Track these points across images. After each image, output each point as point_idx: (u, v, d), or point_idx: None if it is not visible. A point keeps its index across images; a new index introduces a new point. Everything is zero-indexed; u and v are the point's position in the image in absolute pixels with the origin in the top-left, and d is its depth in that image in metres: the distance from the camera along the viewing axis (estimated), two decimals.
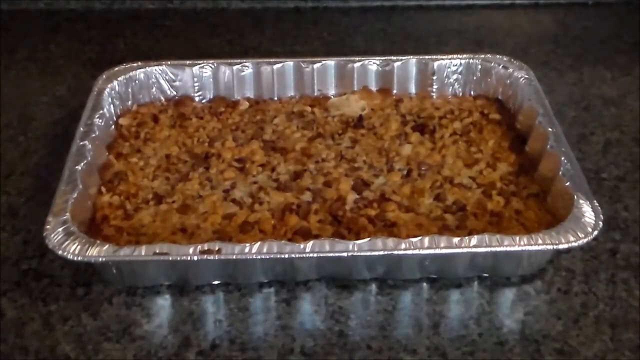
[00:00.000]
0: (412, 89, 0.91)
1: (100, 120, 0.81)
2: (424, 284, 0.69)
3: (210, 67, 0.89)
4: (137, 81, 0.88)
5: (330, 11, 1.17)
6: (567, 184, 0.71)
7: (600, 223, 0.67)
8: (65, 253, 0.64)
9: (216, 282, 0.69)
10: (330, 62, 0.89)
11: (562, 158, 0.73)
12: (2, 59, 1.04)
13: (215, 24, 1.14)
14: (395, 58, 0.90)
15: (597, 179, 0.82)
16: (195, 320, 0.66)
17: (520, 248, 0.65)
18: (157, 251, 0.64)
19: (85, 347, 0.64)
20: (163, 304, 0.68)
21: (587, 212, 0.67)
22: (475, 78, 0.90)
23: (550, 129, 0.78)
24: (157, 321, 0.66)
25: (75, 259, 0.64)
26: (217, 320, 0.66)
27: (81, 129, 0.78)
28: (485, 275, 0.70)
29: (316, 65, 0.89)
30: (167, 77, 0.89)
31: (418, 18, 1.16)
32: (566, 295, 0.69)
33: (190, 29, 1.13)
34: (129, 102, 0.88)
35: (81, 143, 0.76)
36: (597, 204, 0.68)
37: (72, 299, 0.68)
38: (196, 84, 0.90)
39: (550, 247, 0.65)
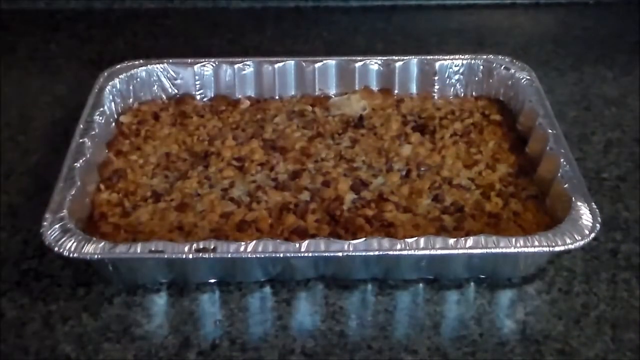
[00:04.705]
0: (414, 89, 0.91)
1: (101, 118, 0.81)
2: (425, 284, 0.69)
3: (212, 65, 0.89)
4: (138, 79, 0.88)
5: (330, 11, 1.17)
6: (566, 186, 0.70)
7: (598, 225, 0.66)
8: (61, 250, 0.64)
9: (216, 282, 0.69)
10: (332, 62, 0.89)
11: (562, 160, 0.73)
12: (2, 58, 1.04)
13: (216, 24, 1.13)
14: (397, 58, 0.90)
15: (597, 179, 0.82)
16: (195, 320, 0.66)
17: (516, 250, 0.65)
18: (153, 249, 0.64)
19: (85, 347, 0.64)
20: (163, 304, 0.68)
21: (585, 214, 0.67)
22: (477, 79, 0.90)
23: (550, 131, 0.77)
24: (157, 321, 0.66)
25: (71, 255, 0.64)
26: (218, 321, 0.66)
27: (81, 126, 0.78)
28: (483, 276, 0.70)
29: (317, 65, 0.89)
30: (168, 75, 0.89)
31: (418, 17, 1.16)
32: (567, 295, 0.69)
33: (191, 29, 1.13)
34: (130, 100, 0.88)
35: (80, 140, 0.76)
36: (595, 206, 0.68)
37: (72, 299, 0.68)
38: (197, 83, 0.89)
39: (546, 249, 0.65)
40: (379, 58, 0.90)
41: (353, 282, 0.69)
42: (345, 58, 0.90)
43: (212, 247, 0.64)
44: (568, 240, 0.65)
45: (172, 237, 0.70)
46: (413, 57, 0.90)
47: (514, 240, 0.65)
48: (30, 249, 0.72)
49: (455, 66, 0.90)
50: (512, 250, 0.65)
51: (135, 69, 0.88)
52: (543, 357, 0.63)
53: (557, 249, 0.65)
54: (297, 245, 0.65)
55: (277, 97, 0.90)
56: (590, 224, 0.66)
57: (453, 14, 1.17)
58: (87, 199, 0.73)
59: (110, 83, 0.86)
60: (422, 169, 0.79)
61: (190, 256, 0.64)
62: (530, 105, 0.83)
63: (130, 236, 0.70)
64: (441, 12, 1.17)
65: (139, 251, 0.64)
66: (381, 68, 0.89)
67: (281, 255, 0.64)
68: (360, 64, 0.89)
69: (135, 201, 0.75)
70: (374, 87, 0.90)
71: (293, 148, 0.82)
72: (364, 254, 0.65)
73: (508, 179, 0.78)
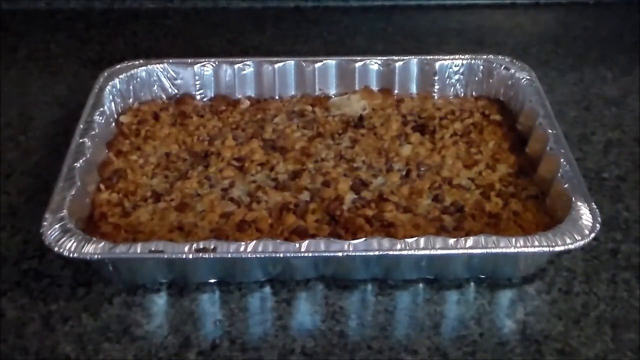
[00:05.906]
0: (414, 89, 0.91)
1: (101, 118, 0.81)
2: (425, 284, 0.69)
3: (212, 65, 0.89)
4: (138, 79, 0.88)
5: (330, 10, 1.17)
6: (566, 186, 0.70)
7: (598, 225, 0.66)
8: (61, 250, 0.64)
9: (216, 282, 0.69)
10: (332, 62, 0.89)
11: (562, 160, 0.73)
12: (2, 58, 1.04)
13: (216, 24, 1.14)
14: (397, 58, 0.90)
15: (598, 179, 0.82)
16: (195, 320, 0.66)
17: (516, 250, 0.65)
18: (153, 249, 0.64)
19: (85, 348, 0.64)
20: (163, 304, 0.68)
21: (585, 214, 0.67)
22: (477, 79, 0.90)
23: (550, 131, 0.77)
24: (157, 321, 0.66)
25: (71, 255, 0.64)
26: (218, 321, 0.66)
27: (81, 126, 0.78)
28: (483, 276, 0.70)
29: (317, 65, 0.89)
30: (168, 75, 0.89)
31: (419, 17, 1.16)
32: (567, 295, 0.69)
33: (191, 29, 1.13)
34: (130, 100, 0.88)
35: (80, 140, 0.76)
36: (595, 206, 0.68)
37: (72, 299, 0.68)
38: (197, 83, 0.89)
39: (546, 249, 0.65)
40: (379, 58, 0.90)
41: (353, 282, 0.69)
42: (345, 58, 0.90)
43: (212, 247, 0.64)
44: (568, 240, 0.65)
45: (172, 237, 0.70)
46: (413, 57, 0.90)
47: (514, 240, 0.65)
48: (30, 249, 0.72)
49: (455, 66, 0.90)
50: (512, 250, 0.65)
51: (135, 69, 0.88)
52: (543, 357, 0.63)
53: (557, 249, 0.65)
54: (297, 245, 0.65)
55: (277, 97, 0.90)
56: (590, 224, 0.66)
57: (453, 14, 1.17)
58: (87, 199, 0.73)
59: (110, 83, 0.86)
60: (422, 169, 0.79)
61: (190, 256, 0.64)
62: (530, 105, 0.83)
63: (130, 236, 0.70)
64: (441, 12, 1.17)
65: (139, 251, 0.64)
66: (381, 68, 0.89)
67: (281, 255, 0.64)
68: (360, 64, 0.89)
69: (135, 201, 0.75)
70: (374, 87, 0.90)
71: (293, 148, 0.82)
72: (364, 254, 0.65)
73: (508, 179, 0.78)
